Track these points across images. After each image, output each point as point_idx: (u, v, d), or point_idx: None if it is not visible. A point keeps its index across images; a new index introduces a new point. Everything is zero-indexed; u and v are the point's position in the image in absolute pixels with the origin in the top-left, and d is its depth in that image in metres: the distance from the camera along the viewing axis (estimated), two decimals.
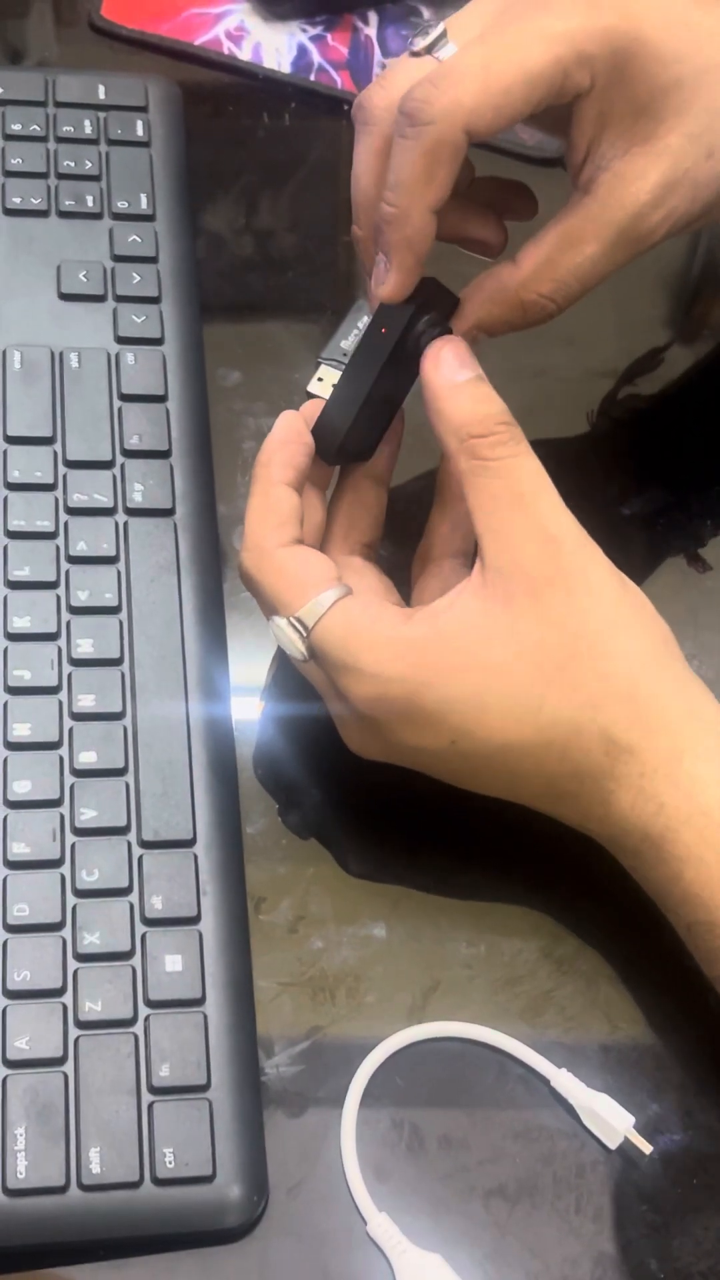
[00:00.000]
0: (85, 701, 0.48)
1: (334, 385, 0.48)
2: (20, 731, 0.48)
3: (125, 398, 0.55)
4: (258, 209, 0.65)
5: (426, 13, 0.70)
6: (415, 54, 0.46)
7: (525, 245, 0.47)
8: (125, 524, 0.52)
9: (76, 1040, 0.43)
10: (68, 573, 0.51)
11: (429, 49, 0.45)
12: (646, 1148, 0.44)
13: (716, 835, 0.43)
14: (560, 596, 0.43)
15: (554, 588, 0.43)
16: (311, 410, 0.48)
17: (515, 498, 0.44)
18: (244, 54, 0.68)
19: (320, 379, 0.59)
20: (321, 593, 0.45)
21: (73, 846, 0.46)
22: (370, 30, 0.69)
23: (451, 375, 0.46)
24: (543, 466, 0.45)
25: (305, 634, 0.45)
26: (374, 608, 0.45)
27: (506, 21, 0.44)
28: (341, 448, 0.48)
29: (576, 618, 0.43)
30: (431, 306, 0.47)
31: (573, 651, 0.43)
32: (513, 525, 0.44)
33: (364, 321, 0.59)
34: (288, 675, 0.52)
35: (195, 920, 0.46)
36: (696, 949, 0.44)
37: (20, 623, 0.49)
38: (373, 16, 0.69)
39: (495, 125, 0.43)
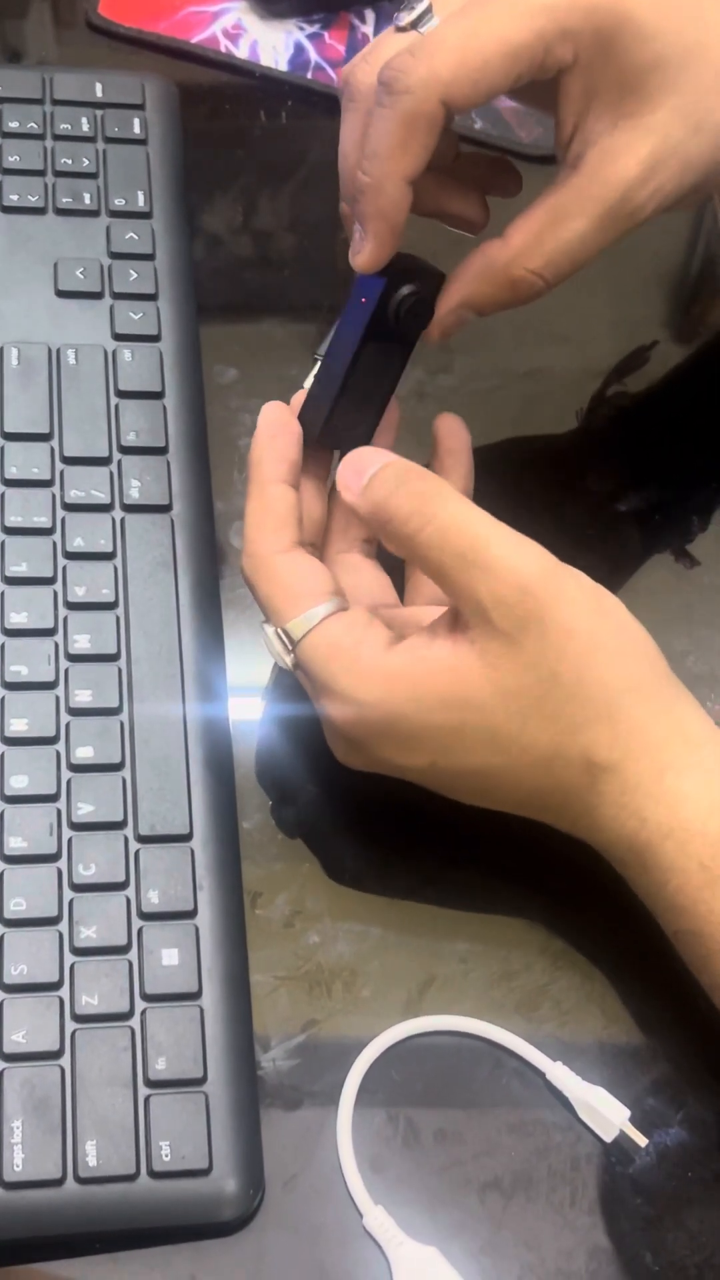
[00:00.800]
0: (82, 697, 0.49)
1: (317, 368, 0.48)
2: (17, 727, 0.48)
3: (122, 394, 0.55)
4: (254, 207, 0.65)
5: None
6: (400, 29, 0.46)
7: (514, 221, 0.47)
8: (122, 520, 0.52)
9: (73, 1034, 0.44)
10: (65, 568, 0.51)
11: (414, 24, 0.45)
12: (642, 1141, 0.44)
13: (698, 847, 0.43)
14: (534, 641, 0.43)
15: (527, 633, 0.42)
16: (300, 400, 0.48)
17: (457, 558, 0.43)
18: (241, 52, 0.68)
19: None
20: (312, 607, 0.45)
21: (70, 841, 0.46)
22: (367, 28, 0.69)
23: (354, 486, 0.45)
24: (473, 510, 0.43)
25: (291, 647, 0.45)
26: (359, 630, 0.45)
27: None
28: (328, 427, 0.48)
29: (552, 657, 0.43)
30: (412, 278, 0.47)
31: (550, 687, 0.43)
32: (468, 584, 0.43)
33: None
34: (284, 672, 0.52)
35: (192, 914, 0.46)
36: (685, 955, 0.45)
37: (17, 618, 0.50)
38: (369, 14, 0.70)
39: (474, 98, 0.43)
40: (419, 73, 0.43)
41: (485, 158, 0.51)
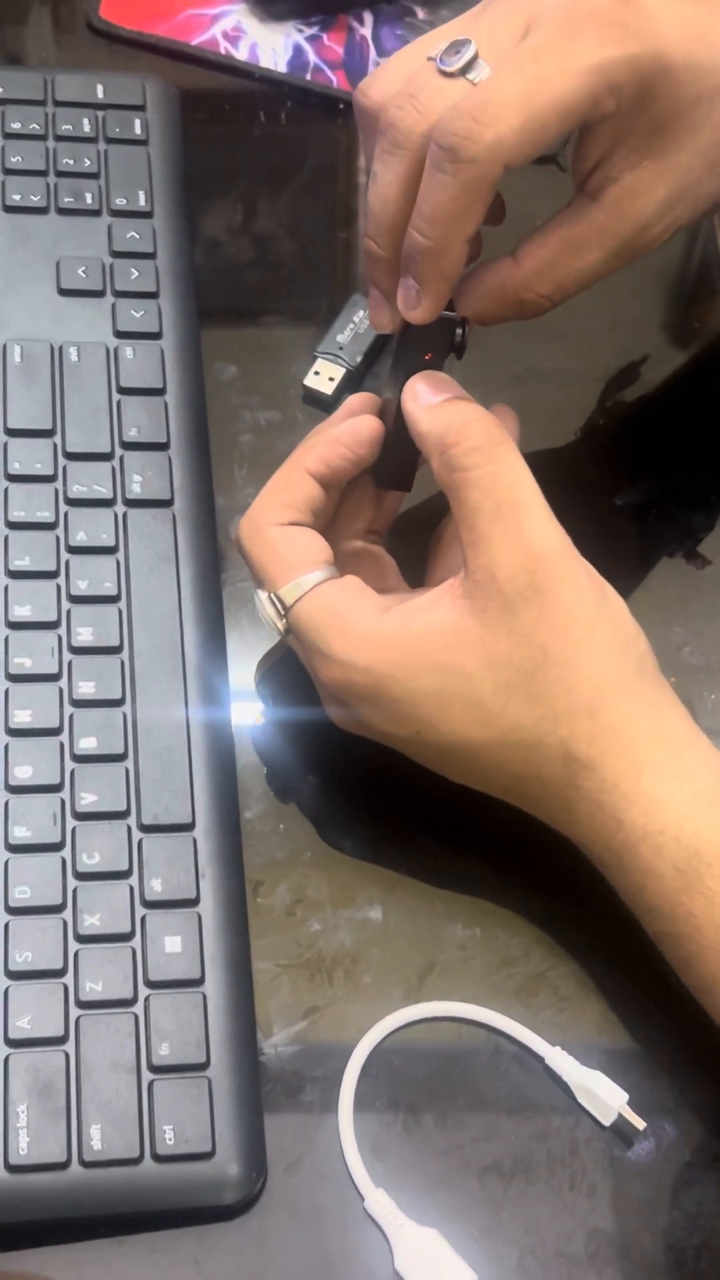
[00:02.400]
0: (85, 688, 0.49)
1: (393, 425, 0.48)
2: (21, 718, 0.48)
3: (124, 391, 0.55)
4: (254, 206, 0.65)
5: (421, 13, 0.70)
6: (447, 74, 0.44)
7: (526, 244, 0.48)
8: (124, 515, 0.53)
9: (77, 1020, 0.44)
10: (68, 562, 0.51)
11: (462, 71, 0.44)
12: (640, 1124, 0.45)
13: (673, 852, 0.43)
14: (532, 612, 0.43)
15: (527, 603, 0.43)
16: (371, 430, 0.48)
17: (493, 508, 0.44)
18: (241, 54, 0.69)
19: (316, 373, 0.59)
20: (305, 574, 0.46)
21: (73, 830, 0.47)
22: (365, 30, 0.70)
23: (428, 400, 0.46)
24: (528, 474, 0.45)
25: (284, 612, 0.46)
26: (352, 595, 0.46)
27: (539, 49, 0.43)
28: (380, 472, 0.49)
29: (546, 633, 0.43)
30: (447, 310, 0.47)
31: (539, 664, 0.43)
32: (491, 537, 0.44)
33: (359, 316, 0.60)
34: (285, 663, 0.53)
35: (194, 902, 0.46)
36: (666, 956, 0.45)
37: (21, 611, 0.50)
38: (368, 16, 0.70)
39: (530, 156, 0.43)
40: (486, 140, 0.42)
41: None
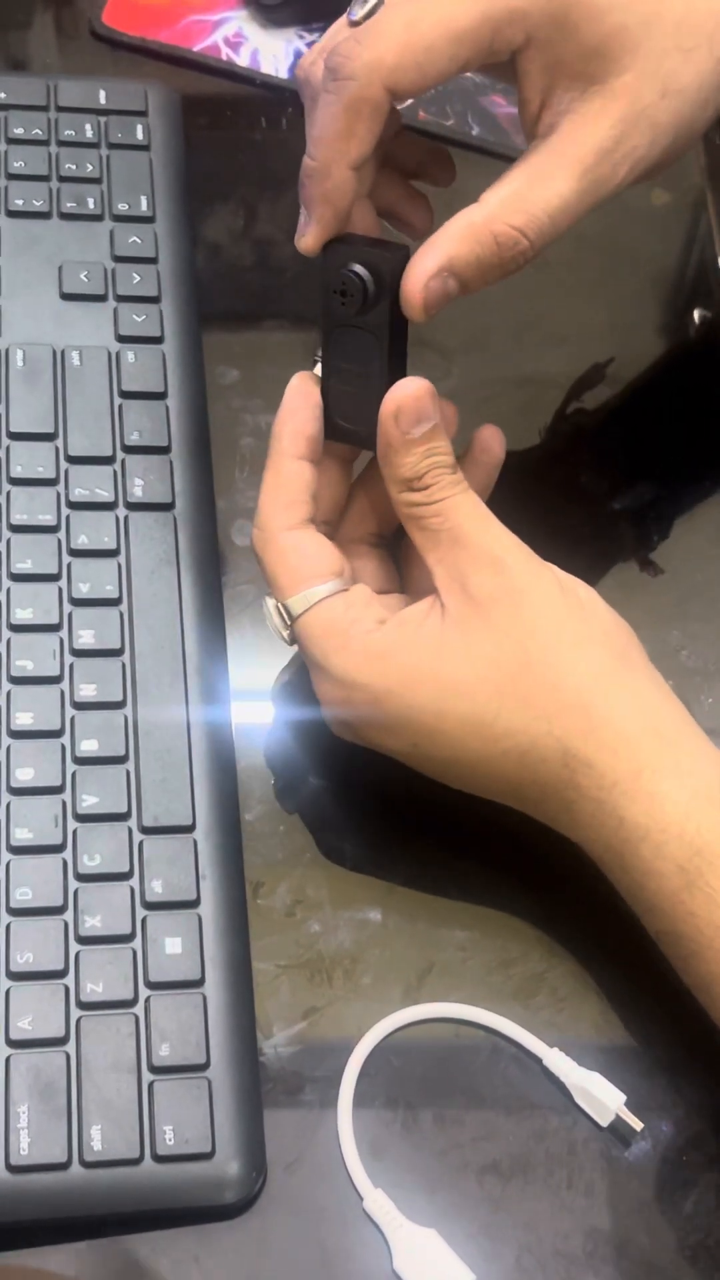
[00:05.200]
0: (87, 691, 0.49)
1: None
2: (23, 720, 0.48)
3: (126, 395, 0.56)
4: (255, 211, 0.66)
5: None
6: (354, 23, 0.45)
7: (489, 187, 0.46)
8: (126, 518, 0.53)
9: (78, 1020, 0.44)
10: (69, 565, 0.52)
11: (367, 16, 0.44)
12: (637, 1125, 0.45)
13: (674, 850, 0.43)
14: (507, 611, 0.44)
15: (499, 605, 0.44)
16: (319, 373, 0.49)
17: (453, 531, 0.45)
18: (242, 60, 0.69)
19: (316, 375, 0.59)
20: (313, 586, 0.46)
21: (74, 832, 0.47)
22: None
23: (408, 429, 0.46)
24: (479, 502, 0.46)
25: (289, 622, 0.46)
26: (356, 610, 0.46)
27: None
28: (330, 422, 0.48)
29: (523, 630, 0.44)
30: (366, 257, 0.46)
31: (523, 663, 0.44)
32: (456, 555, 0.45)
33: None
34: (285, 665, 0.53)
35: (195, 904, 0.47)
36: (667, 955, 0.45)
37: (23, 614, 0.50)
38: None
39: (420, 83, 0.44)
40: (363, 59, 0.43)
41: (424, 143, 0.51)
